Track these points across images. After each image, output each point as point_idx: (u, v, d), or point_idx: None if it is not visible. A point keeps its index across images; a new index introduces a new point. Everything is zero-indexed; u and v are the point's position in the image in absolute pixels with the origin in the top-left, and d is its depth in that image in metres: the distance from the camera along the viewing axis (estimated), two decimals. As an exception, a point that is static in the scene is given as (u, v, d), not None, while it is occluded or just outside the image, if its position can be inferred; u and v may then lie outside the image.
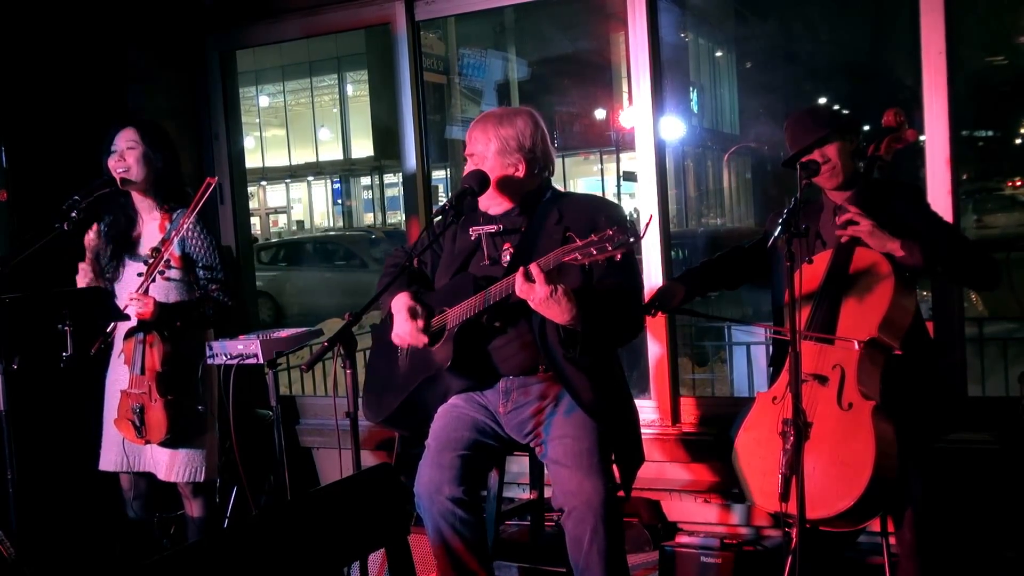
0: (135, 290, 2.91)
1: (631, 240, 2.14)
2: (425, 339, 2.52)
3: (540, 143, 2.61)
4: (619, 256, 2.15)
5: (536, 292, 2.28)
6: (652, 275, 3.56)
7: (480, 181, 2.56)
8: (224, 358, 3.06)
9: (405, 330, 2.55)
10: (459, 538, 2.49)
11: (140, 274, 2.94)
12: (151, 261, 2.92)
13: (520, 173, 2.58)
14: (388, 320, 2.64)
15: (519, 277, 2.29)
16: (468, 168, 2.62)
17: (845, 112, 2.73)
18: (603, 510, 2.39)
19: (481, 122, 2.64)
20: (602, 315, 2.40)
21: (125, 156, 3.01)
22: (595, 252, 2.17)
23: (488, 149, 2.58)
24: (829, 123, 2.63)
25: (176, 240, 2.98)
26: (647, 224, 2.22)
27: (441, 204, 2.60)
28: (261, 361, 3.06)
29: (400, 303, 2.57)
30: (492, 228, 2.63)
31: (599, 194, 12.90)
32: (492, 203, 2.63)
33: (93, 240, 3.07)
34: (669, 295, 2.89)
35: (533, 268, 2.29)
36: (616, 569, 2.44)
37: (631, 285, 2.56)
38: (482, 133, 2.60)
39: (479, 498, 2.57)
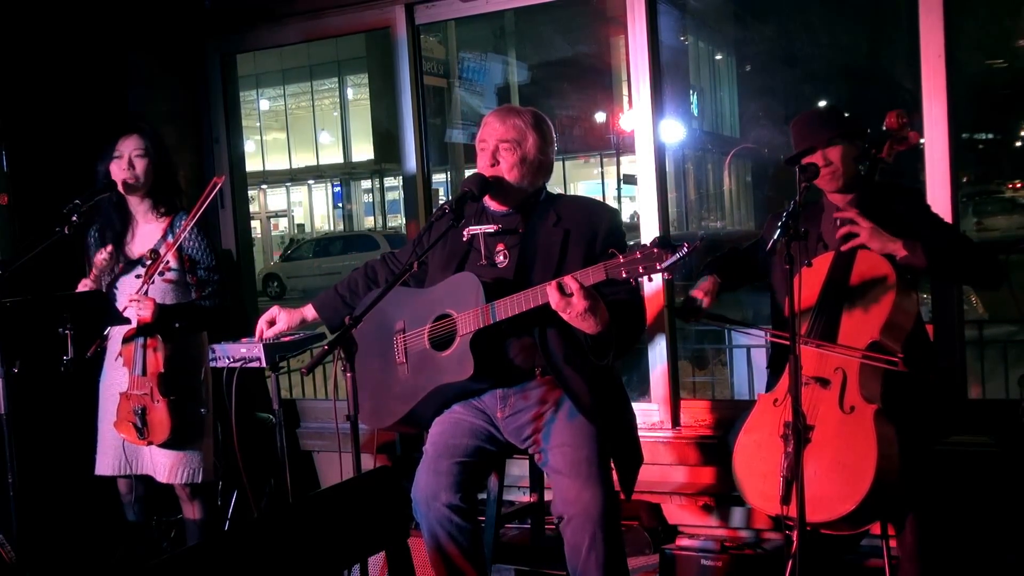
0: (135, 291, 2.91)
1: (678, 259, 2.14)
2: None
3: (553, 150, 2.69)
4: (668, 276, 2.15)
5: (574, 306, 2.27)
6: (653, 277, 3.54)
7: (480, 184, 2.56)
8: (227, 361, 3.06)
9: None
10: (455, 544, 2.48)
11: (138, 276, 2.94)
12: (149, 263, 2.92)
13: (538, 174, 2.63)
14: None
15: (553, 291, 2.28)
16: (481, 160, 2.61)
17: (847, 116, 2.72)
18: (602, 519, 2.38)
19: (516, 114, 2.64)
20: (623, 322, 2.42)
21: (135, 164, 3.03)
22: (642, 269, 2.17)
23: (526, 143, 2.59)
24: (835, 125, 2.62)
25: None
26: (692, 248, 2.19)
27: (440, 205, 2.60)
28: (264, 365, 3.06)
29: None
30: (491, 228, 2.63)
31: (596, 196, 12.91)
32: (492, 203, 2.64)
33: (104, 260, 3.00)
34: (695, 304, 2.73)
35: (572, 283, 2.27)
36: None
37: (640, 293, 2.58)
38: (523, 125, 2.60)
39: (476, 504, 2.55)
